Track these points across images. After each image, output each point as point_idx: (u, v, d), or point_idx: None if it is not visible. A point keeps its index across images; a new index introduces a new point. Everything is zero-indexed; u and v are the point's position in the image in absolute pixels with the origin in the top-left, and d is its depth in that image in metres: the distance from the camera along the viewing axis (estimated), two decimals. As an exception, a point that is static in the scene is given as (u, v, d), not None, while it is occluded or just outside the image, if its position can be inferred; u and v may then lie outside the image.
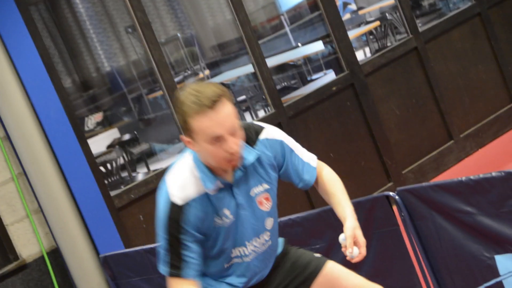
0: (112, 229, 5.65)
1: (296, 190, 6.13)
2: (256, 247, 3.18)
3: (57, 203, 5.50)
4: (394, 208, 4.13)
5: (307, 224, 4.38)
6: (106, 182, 6.72)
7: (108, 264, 5.35)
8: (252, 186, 3.13)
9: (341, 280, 3.27)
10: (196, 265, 3.07)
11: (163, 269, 3.10)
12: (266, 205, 3.18)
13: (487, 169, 6.45)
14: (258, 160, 3.13)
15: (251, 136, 3.15)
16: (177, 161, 3.14)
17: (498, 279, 3.84)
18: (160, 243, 3.08)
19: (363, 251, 3.10)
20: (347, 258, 3.09)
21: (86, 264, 5.53)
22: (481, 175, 3.73)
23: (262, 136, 3.18)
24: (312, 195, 6.38)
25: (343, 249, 3.10)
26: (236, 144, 2.96)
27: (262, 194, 3.16)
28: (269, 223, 3.20)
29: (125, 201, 5.79)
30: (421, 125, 7.16)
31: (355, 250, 3.08)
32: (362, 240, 3.12)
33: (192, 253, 3.05)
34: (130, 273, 5.22)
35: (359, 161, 6.81)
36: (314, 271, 3.29)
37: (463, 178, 3.79)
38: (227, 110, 2.95)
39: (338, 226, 4.23)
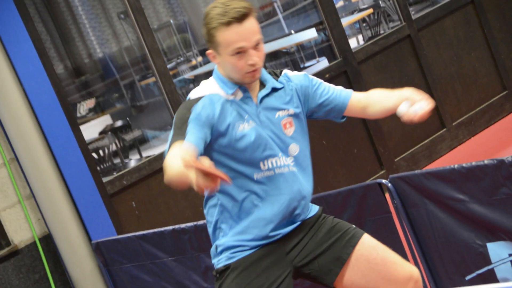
0: (104, 216, 5.64)
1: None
2: (286, 164, 3.23)
3: (49, 189, 5.49)
4: (387, 195, 4.14)
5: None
6: (98, 168, 6.70)
7: (100, 250, 5.35)
8: (277, 110, 3.25)
9: (378, 251, 3.29)
10: (197, 139, 3.05)
11: (166, 149, 3.05)
12: (289, 130, 3.27)
13: (479, 157, 6.46)
14: (284, 88, 3.29)
15: (275, 73, 3.32)
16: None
17: (490, 267, 3.85)
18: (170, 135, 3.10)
19: (426, 105, 3.14)
20: (412, 117, 3.13)
21: (78, 250, 5.52)
22: (473, 163, 3.74)
23: (285, 72, 3.35)
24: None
25: (404, 119, 3.17)
26: (258, 56, 3.11)
27: (286, 118, 3.27)
28: (293, 149, 3.27)
29: (117, 188, 5.78)
30: (413, 113, 7.15)
31: (417, 107, 3.13)
32: (420, 97, 3.16)
33: (195, 134, 3.05)
34: (122, 259, 5.22)
35: (352, 149, 6.81)
36: (354, 237, 3.30)
37: (456, 166, 3.80)
38: (252, 25, 3.09)
39: (330, 213, 4.25)
